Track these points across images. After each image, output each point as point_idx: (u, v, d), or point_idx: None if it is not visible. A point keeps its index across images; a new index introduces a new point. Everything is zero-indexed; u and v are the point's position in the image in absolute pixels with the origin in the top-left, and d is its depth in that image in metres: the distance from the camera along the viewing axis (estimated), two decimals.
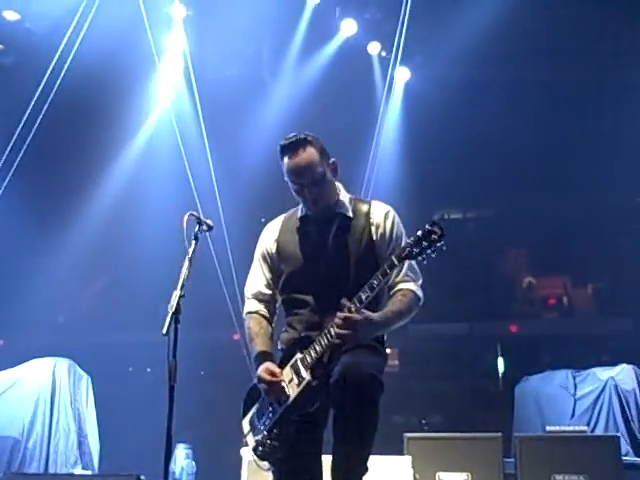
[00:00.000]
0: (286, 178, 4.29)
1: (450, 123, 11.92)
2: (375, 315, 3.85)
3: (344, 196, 4.35)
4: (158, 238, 11.46)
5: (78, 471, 8.23)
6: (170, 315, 4.72)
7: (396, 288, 4.07)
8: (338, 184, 4.40)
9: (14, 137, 10.70)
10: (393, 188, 11.52)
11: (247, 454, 6.96)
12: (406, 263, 3.90)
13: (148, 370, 12.38)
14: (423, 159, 12.24)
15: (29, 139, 10.33)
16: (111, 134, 11.93)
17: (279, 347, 4.42)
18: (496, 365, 13.78)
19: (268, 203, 12.57)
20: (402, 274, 4.05)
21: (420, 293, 4.09)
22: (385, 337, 4.27)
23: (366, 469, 3.94)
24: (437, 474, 7.01)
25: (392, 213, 4.26)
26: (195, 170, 11.11)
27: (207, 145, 11.03)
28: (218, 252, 10.41)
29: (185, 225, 4.99)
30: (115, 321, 12.72)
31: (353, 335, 3.76)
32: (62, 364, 8.87)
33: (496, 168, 12.65)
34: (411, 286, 4.07)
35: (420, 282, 4.15)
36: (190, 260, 4.95)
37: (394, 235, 4.16)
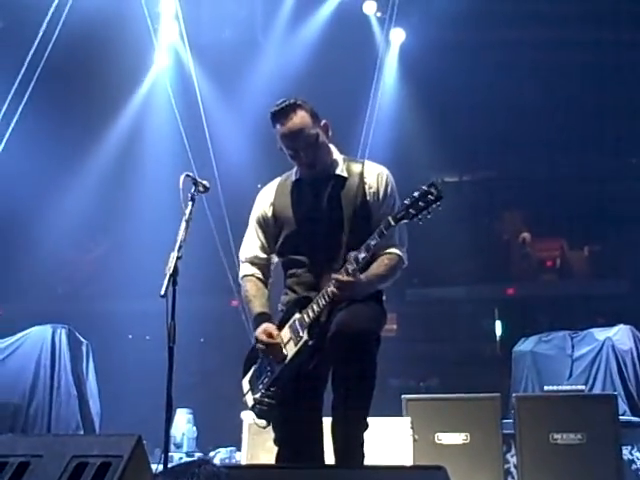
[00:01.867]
0: (280, 144, 4.27)
1: (446, 85, 11.84)
2: (363, 277, 3.92)
3: (337, 157, 4.34)
4: (156, 203, 11.45)
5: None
6: (168, 277, 4.72)
7: (384, 251, 4.08)
8: (331, 145, 4.38)
9: (5, 104, 10.62)
10: (389, 150, 11.46)
11: (247, 417, 7.02)
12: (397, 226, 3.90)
13: (147, 338, 12.40)
14: (419, 121, 12.17)
15: (22, 105, 10.25)
16: (105, 98, 11.83)
17: (279, 309, 4.44)
18: (493, 328, 13.86)
19: (264, 166, 12.59)
20: (390, 237, 4.03)
21: (405, 257, 4.14)
22: (384, 296, 4.28)
23: (366, 425, 3.98)
24: (436, 435, 7.05)
25: (385, 173, 4.27)
26: (191, 134, 11.06)
27: (202, 107, 10.96)
28: (215, 216, 10.40)
29: (181, 186, 4.97)
30: (114, 288, 12.72)
31: (346, 296, 3.88)
32: (61, 330, 8.90)
33: (492, 130, 12.60)
34: (397, 250, 4.12)
35: (405, 247, 4.18)
36: (187, 222, 4.94)
37: (387, 195, 4.19)
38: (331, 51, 11.40)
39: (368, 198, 4.15)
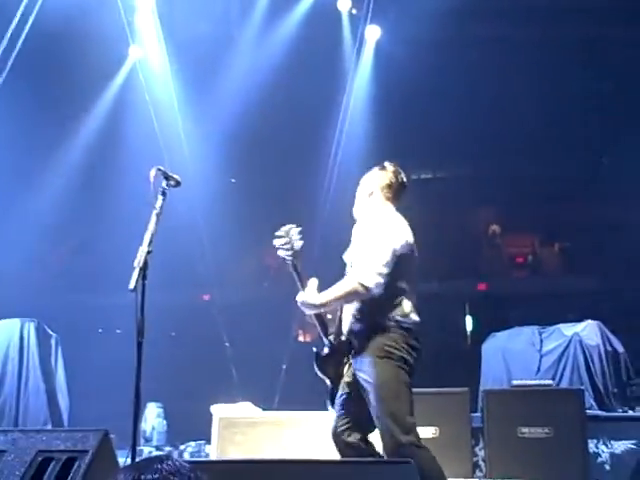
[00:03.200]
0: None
1: (420, 82, 11.87)
2: (315, 296, 4.56)
3: None
4: (129, 197, 11.36)
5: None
6: (137, 271, 4.70)
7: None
8: None
9: None
10: (363, 147, 11.49)
11: (217, 411, 7.04)
12: (360, 255, 4.53)
13: (118, 331, 12.31)
14: (393, 118, 12.19)
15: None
16: (79, 92, 11.73)
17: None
18: (464, 323, 13.93)
19: (238, 162, 12.59)
20: (355, 264, 4.57)
21: (366, 281, 4.40)
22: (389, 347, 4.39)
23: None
24: None
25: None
26: (164, 128, 11.01)
27: (176, 102, 10.91)
28: (187, 211, 10.37)
29: (152, 179, 4.96)
30: (84, 282, 12.63)
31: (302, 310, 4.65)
32: (29, 324, 8.81)
33: (466, 127, 12.66)
34: (355, 275, 4.48)
35: (374, 271, 4.41)
36: (157, 215, 4.92)
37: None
38: (306, 47, 11.39)
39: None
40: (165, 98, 11.14)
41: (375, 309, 4.48)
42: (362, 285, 4.42)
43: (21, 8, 9.66)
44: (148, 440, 9.11)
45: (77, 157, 12.09)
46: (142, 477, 2.43)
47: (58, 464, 3.72)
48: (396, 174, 4.89)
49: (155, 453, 8.87)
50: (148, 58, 11.68)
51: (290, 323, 11.76)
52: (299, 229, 4.81)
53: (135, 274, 4.72)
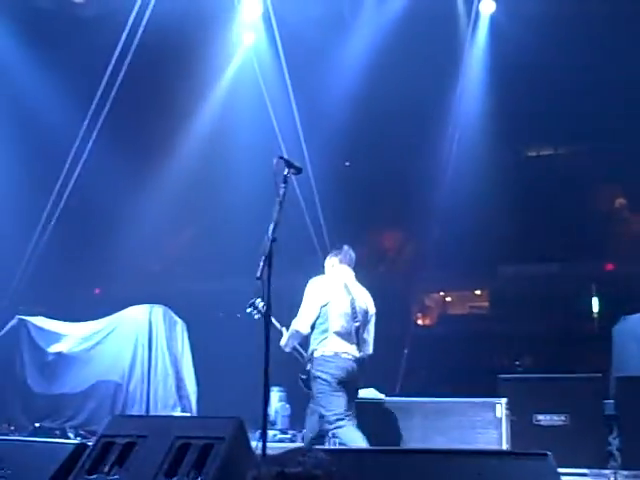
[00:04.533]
0: None
1: (537, 58, 11.40)
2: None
3: None
4: (245, 184, 11.53)
5: (177, 413, 8.47)
6: (263, 259, 4.74)
7: None
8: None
9: (100, 89, 10.88)
10: (480, 124, 11.16)
11: None
12: None
13: (238, 316, 12.55)
14: (510, 95, 11.78)
15: (114, 90, 10.48)
16: (194, 80, 11.97)
17: None
18: (590, 305, 13.37)
19: (352, 145, 12.52)
20: None
21: (294, 327, 5.89)
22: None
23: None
24: (534, 416, 6.85)
25: None
26: (278, 113, 11.06)
27: (290, 87, 10.94)
28: (304, 196, 10.40)
29: (275, 169, 4.99)
30: (206, 268, 12.91)
31: None
32: (157, 310, 9.08)
33: (585, 103, 12.08)
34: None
35: (298, 319, 5.86)
36: (281, 204, 4.95)
37: None
38: (420, 25, 11.14)
39: None
40: (278, 84, 11.19)
41: None
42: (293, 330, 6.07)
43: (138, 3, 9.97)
44: (273, 424, 9.23)
45: (194, 147, 12.35)
46: (285, 471, 2.40)
47: (196, 450, 3.78)
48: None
49: (280, 436, 8.98)
50: (260, 44, 11.76)
51: (409, 307, 11.66)
52: (259, 299, 5.79)
53: (261, 262, 4.77)
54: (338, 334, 5.75)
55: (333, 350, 5.74)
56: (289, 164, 5.12)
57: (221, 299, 12.47)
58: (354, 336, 5.83)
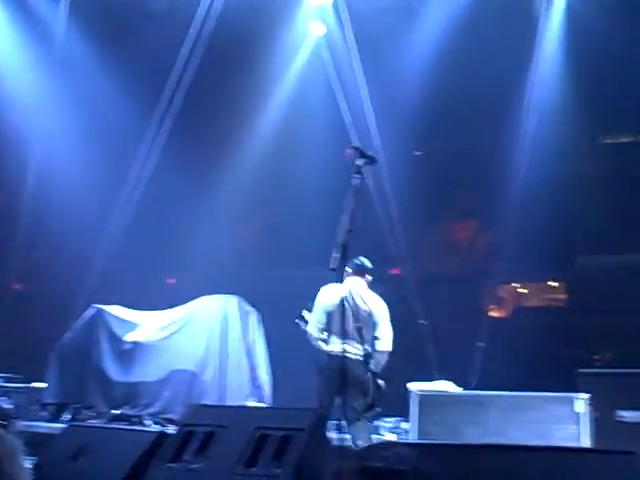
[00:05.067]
0: None
1: (614, 42, 11.02)
2: None
3: None
4: (314, 173, 11.54)
5: (251, 403, 8.54)
6: (338, 250, 4.73)
7: None
8: None
9: (170, 81, 11.05)
10: (556, 110, 10.87)
11: (415, 389, 7.00)
12: None
13: (309, 304, 12.55)
14: (587, 80, 11.43)
15: (186, 80, 10.62)
16: (263, 71, 12.03)
17: None
18: None
19: (424, 133, 12.39)
20: None
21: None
22: None
23: None
24: (616, 412, 6.65)
25: None
26: (349, 103, 11.03)
27: (360, 77, 10.89)
28: (375, 185, 10.33)
29: (349, 159, 4.97)
30: (277, 257, 12.98)
31: None
32: (231, 300, 9.16)
33: None
34: None
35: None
36: (356, 194, 4.93)
37: None
38: (491, 8, 10.92)
39: None
40: (347, 73, 11.15)
41: None
42: None
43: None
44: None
45: (263, 138, 12.42)
46: (370, 465, 2.38)
47: (275, 441, 3.81)
48: None
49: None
50: (328, 34, 11.74)
51: (481, 299, 11.49)
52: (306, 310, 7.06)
53: (337, 253, 4.75)
54: (336, 334, 6.40)
55: (331, 349, 6.46)
56: (363, 154, 5.09)
57: (294, 289, 12.50)
58: (356, 336, 6.50)
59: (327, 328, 6.63)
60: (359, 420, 6.31)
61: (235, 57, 11.96)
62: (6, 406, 8.10)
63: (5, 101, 11.70)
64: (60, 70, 11.81)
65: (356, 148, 5.12)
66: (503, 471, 3.48)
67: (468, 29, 10.93)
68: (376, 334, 6.61)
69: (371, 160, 5.11)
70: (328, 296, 6.70)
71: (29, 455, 7.11)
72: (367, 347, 6.52)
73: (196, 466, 3.88)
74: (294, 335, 11.19)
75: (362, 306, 6.68)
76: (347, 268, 6.27)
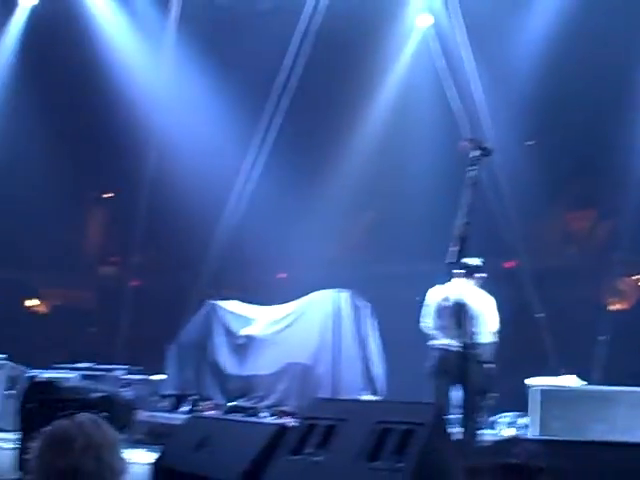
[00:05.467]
0: None
1: None
2: None
3: None
4: (423, 167, 11.42)
5: (366, 397, 8.53)
6: (456, 242, 4.66)
7: None
8: None
9: (278, 79, 11.19)
10: None
11: (535, 384, 6.82)
12: None
13: (417, 299, 12.44)
14: None
15: (294, 78, 10.71)
16: (370, 66, 12.01)
17: None
18: None
19: (538, 122, 12.04)
20: None
21: None
22: None
23: None
24: None
25: None
26: (459, 94, 10.87)
27: (469, 67, 10.70)
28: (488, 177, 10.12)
29: (464, 151, 4.89)
30: (385, 251, 12.94)
31: None
32: (343, 295, 9.18)
33: None
34: None
35: None
36: (473, 185, 4.83)
37: None
38: None
39: None
40: (458, 64, 10.97)
41: None
42: None
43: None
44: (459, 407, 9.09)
45: (372, 131, 12.39)
46: (506, 462, 2.31)
47: (396, 435, 3.77)
48: None
49: None
50: (437, 24, 11.59)
51: (600, 291, 11.09)
52: None
53: (454, 247, 4.69)
54: (442, 329, 6.67)
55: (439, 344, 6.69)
56: (479, 145, 4.99)
57: (403, 284, 12.44)
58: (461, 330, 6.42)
59: (436, 324, 6.84)
60: (473, 414, 6.27)
61: (342, 53, 11.99)
62: (129, 396, 8.43)
63: (128, 99, 12.15)
64: (173, 68, 12.16)
65: (471, 139, 5.03)
66: (632, 470, 3.33)
67: (581, 12, 10.55)
68: (480, 327, 6.74)
69: (487, 151, 5.01)
70: (435, 294, 7.04)
71: (151, 443, 7.41)
72: (473, 339, 6.46)
73: (318, 459, 3.89)
74: (405, 329, 11.15)
75: (466, 301, 6.59)
76: (454, 270, 6.54)
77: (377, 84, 12.37)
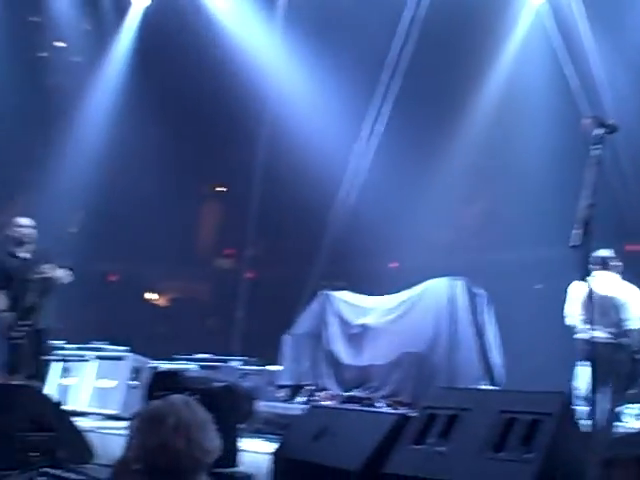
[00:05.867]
0: None
1: None
2: None
3: None
4: (541, 148, 11.06)
5: (484, 386, 8.35)
6: (579, 225, 4.48)
7: None
8: None
9: (388, 61, 11.04)
10: None
11: None
12: None
13: (537, 287, 12.12)
14: None
15: (403, 59, 10.57)
16: (482, 46, 11.72)
17: None
18: None
19: None
20: None
21: None
22: None
23: None
24: None
25: None
26: (577, 71, 10.46)
27: (588, 43, 10.27)
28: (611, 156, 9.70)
29: (586, 129, 4.70)
30: (500, 238, 12.63)
31: None
32: (458, 283, 9.01)
33: None
34: None
35: None
36: (597, 165, 4.63)
37: None
38: None
39: None
40: (575, 40, 10.56)
41: None
42: None
43: None
44: (587, 399, 8.76)
45: (484, 114, 12.11)
46: None
47: (523, 425, 3.66)
48: None
49: None
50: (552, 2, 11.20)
51: None
52: None
53: (578, 229, 4.52)
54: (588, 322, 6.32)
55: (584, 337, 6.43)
56: (602, 123, 4.77)
57: (521, 269, 12.12)
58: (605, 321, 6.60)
59: (583, 318, 6.64)
60: (614, 405, 6.24)
61: (452, 32, 11.73)
62: (248, 387, 8.58)
63: (240, 89, 12.34)
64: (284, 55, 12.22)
65: (595, 117, 4.79)
66: None
67: None
68: (627, 314, 6.78)
69: (612, 129, 4.77)
70: (577, 288, 6.84)
71: (269, 433, 7.52)
72: (622, 327, 6.72)
73: (441, 449, 3.83)
74: (522, 318, 10.88)
75: (611, 292, 6.85)
76: (590, 266, 6.32)
77: (489, 65, 12.07)
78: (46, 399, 5.67)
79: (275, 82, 12.34)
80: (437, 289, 9.12)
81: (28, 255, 7.43)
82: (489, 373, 8.64)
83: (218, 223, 18.76)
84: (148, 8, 13.24)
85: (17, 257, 7.43)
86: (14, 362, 7.10)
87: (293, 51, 12.34)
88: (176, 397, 2.62)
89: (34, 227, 7.56)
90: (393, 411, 7.16)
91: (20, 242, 7.42)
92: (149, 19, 13.27)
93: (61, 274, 7.31)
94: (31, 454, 5.04)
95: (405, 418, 4.31)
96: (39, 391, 6.44)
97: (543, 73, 11.34)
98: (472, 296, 8.98)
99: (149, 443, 2.50)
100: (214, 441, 2.58)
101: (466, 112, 12.34)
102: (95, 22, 13.87)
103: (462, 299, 8.89)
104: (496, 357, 8.83)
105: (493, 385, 8.49)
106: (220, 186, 18.15)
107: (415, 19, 10.88)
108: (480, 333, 8.82)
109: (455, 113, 12.31)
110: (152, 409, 2.59)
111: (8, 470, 4.83)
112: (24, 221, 7.55)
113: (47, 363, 7.58)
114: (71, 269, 7.35)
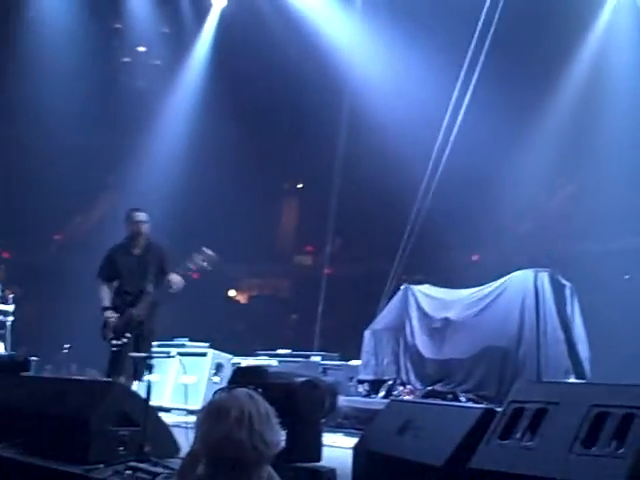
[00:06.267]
0: None
1: None
2: None
3: None
4: (629, 133, 10.69)
5: (571, 380, 8.13)
6: None
7: None
8: None
9: (474, 39, 10.81)
10: None
11: None
12: None
13: (626, 277, 11.69)
14: None
15: (489, 39, 10.35)
16: (566, 29, 11.39)
17: None
18: None
19: None
20: None
21: None
22: None
23: None
24: None
25: None
26: None
27: None
28: None
29: None
30: (586, 226, 12.28)
31: None
32: (543, 275, 8.79)
33: None
34: None
35: None
36: None
37: None
38: None
39: None
40: None
41: None
42: None
43: None
44: None
45: (568, 102, 11.80)
46: None
47: (615, 420, 3.50)
48: None
49: None
50: None
51: None
52: None
53: None
54: None
55: None
56: None
57: (607, 260, 11.73)
58: None
59: None
60: None
61: (539, 10, 11.41)
62: (330, 381, 8.58)
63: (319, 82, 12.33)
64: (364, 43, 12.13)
65: None
66: None
67: None
68: None
69: None
70: None
71: (350, 428, 7.49)
72: None
73: (529, 444, 3.70)
74: (610, 310, 10.53)
75: None
76: None
77: (576, 46, 11.73)
78: (134, 395, 5.78)
79: (354, 74, 12.26)
80: (522, 281, 8.89)
81: (139, 251, 7.35)
82: (576, 367, 8.39)
83: (297, 220, 18.87)
84: (225, 9, 13.39)
85: (131, 254, 7.35)
86: (115, 368, 7.06)
87: (372, 40, 12.24)
88: (240, 390, 2.65)
89: (149, 222, 7.42)
90: (478, 405, 7.02)
91: (135, 237, 7.32)
92: (226, 20, 13.43)
93: (177, 280, 7.10)
94: (119, 448, 5.17)
95: (491, 412, 4.20)
96: (128, 387, 6.56)
97: (632, 55, 10.95)
98: (558, 288, 8.73)
99: (213, 435, 2.54)
100: (277, 434, 2.59)
101: (553, 95, 12.02)
102: (174, 25, 14.15)
103: (548, 291, 8.65)
104: (583, 350, 8.57)
105: (581, 379, 8.25)
106: (299, 183, 18.26)
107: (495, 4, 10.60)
108: (567, 326, 8.58)
109: (542, 95, 12.01)
110: (216, 402, 2.64)
111: (97, 464, 4.96)
112: (142, 216, 7.41)
113: (149, 366, 7.63)
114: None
